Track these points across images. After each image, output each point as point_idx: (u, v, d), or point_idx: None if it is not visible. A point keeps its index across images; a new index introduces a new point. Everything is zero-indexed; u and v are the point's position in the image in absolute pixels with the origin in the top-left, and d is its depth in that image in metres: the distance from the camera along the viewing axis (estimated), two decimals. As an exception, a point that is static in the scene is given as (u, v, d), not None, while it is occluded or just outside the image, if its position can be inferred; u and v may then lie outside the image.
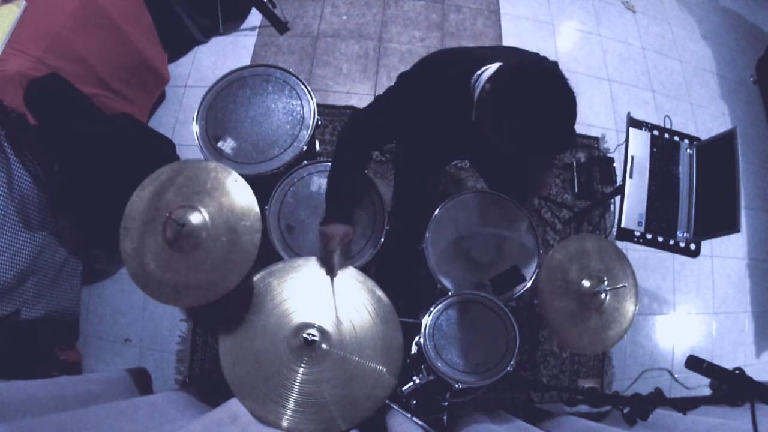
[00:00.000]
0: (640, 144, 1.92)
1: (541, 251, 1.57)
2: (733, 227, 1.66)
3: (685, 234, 1.83)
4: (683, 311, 2.41)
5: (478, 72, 1.13)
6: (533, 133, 0.98)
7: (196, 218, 1.19)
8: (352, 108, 2.45)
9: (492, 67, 1.10)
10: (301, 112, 1.62)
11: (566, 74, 1.36)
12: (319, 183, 1.57)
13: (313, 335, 1.23)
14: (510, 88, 1.01)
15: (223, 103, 1.63)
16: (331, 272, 1.35)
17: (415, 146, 1.48)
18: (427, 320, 1.43)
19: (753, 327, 2.48)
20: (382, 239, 1.50)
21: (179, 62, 2.51)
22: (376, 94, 1.33)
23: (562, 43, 2.79)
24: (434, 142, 1.36)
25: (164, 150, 2.16)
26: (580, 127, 2.56)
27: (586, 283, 1.49)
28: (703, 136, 1.94)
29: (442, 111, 1.20)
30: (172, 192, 1.22)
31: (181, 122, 2.37)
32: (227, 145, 1.58)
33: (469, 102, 1.15)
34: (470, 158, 1.94)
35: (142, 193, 1.22)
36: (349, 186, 1.40)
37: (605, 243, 1.59)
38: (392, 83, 1.31)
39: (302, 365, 1.22)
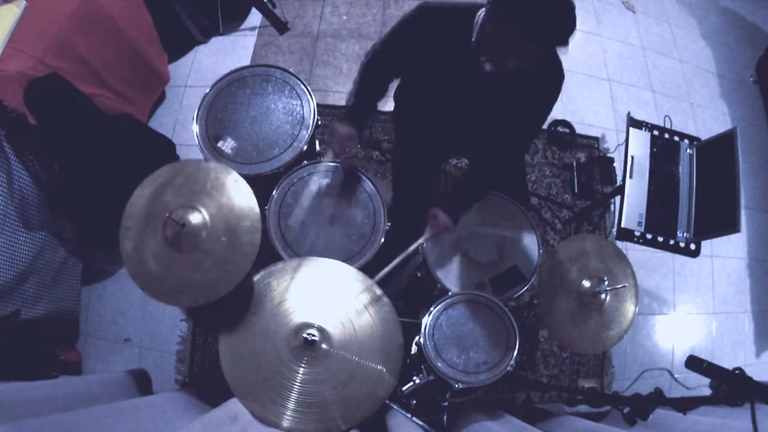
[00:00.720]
0: (640, 144, 1.92)
1: (541, 251, 1.57)
2: (733, 227, 1.66)
3: (685, 234, 1.83)
4: (683, 311, 2.41)
5: (482, 9, 1.22)
6: (535, 20, 1.02)
7: (196, 218, 1.19)
8: (352, 108, 2.45)
9: None
10: (301, 112, 1.62)
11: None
12: (319, 183, 1.57)
13: (313, 335, 1.22)
14: None
15: (223, 103, 1.63)
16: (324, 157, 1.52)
17: (415, 96, 1.52)
18: (427, 320, 1.43)
19: (753, 327, 2.48)
20: (382, 239, 1.50)
21: (179, 62, 2.51)
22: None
23: (562, 43, 2.78)
24: (429, 88, 1.40)
25: (164, 150, 2.16)
26: (580, 127, 2.56)
27: (586, 283, 1.49)
28: (703, 136, 1.94)
29: (445, 44, 1.27)
30: (172, 192, 1.22)
31: (181, 122, 2.37)
32: (227, 145, 1.58)
33: (467, 37, 1.23)
34: (467, 153, 1.94)
35: (142, 193, 1.22)
36: (366, 98, 1.48)
37: (605, 243, 1.59)
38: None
39: (302, 365, 1.22)
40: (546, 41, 1.08)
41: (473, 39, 1.22)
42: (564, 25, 1.05)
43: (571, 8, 1.04)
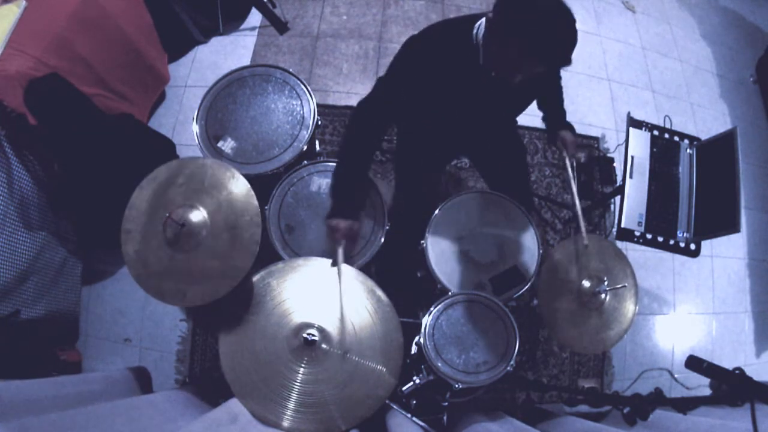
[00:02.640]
0: (640, 144, 1.92)
1: (541, 251, 1.57)
2: (733, 227, 1.66)
3: (685, 234, 1.83)
4: (683, 311, 2.41)
5: (477, 23, 1.21)
6: (541, 37, 1.02)
7: (195, 216, 1.19)
8: (352, 108, 2.44)
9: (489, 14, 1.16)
10: (301, 112, 1.62)
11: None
12: (319, 183, 1.57)
13: (313, 335, 1.22)
14: (512, 2, 1.06)
15: (223, 103, 1.63)
16: (336, 264, 1.35)
17: (423, 118, 1.49)
18: (427, 320, 1.43)
19: (753, 327, 2.48)
20: (382, 239, 1.50)
21: (179, 62, 2.51)
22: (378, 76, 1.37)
23: (562, 43, 2.78)
24: (443, 108, 1.37)
25: (164, 150, 2.16)
26: (580, 127, 2.56)
27: (586, 283, 1.49)
28: (703, 136, 1.94)
29: (450, 68, 1.25)
30: (170, 191, 1.22)
31: (181, 122, 2.37)
32: (227, 145, 1.58)
33: (473, 53, 1.22)
34: (471, 155, 1.94)
35: (141, 194, 1.22)
36: (354, 180, 1.42)
37: (605, 243, 1.59)
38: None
39: (302, 365, 1.22)
40: (550, 60, 1.07)
41: (480, 60, 1.21)
42: (567, 43, 1.05)
43: (572, 25, 1.04)
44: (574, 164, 1.59)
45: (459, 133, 1.53)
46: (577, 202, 1.56)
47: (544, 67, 1.11)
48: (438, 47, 1.25)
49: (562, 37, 1.04)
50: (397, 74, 1.30)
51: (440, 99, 1.32)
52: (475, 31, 1.21)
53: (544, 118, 1.70)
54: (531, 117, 1.68)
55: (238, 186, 1.24)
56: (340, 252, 1.35)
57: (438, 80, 1.27)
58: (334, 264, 1.35)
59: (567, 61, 1.07)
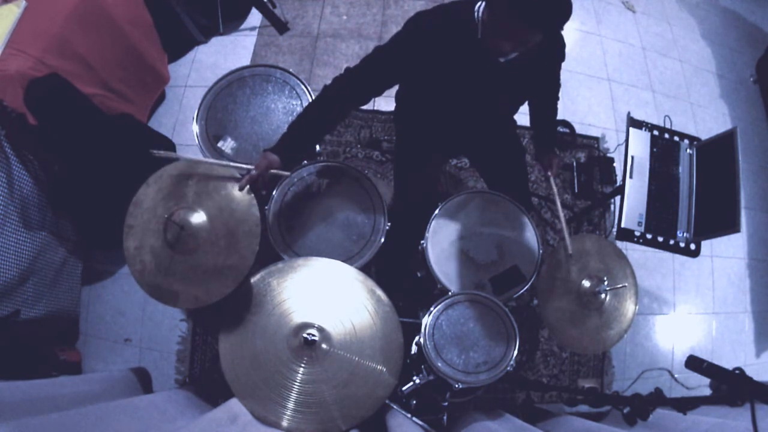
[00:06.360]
0: (640, 144, 1.92)
1: (541, 251, 1.57)
2: (733, 227, 1.66)
3: (685, 234, 1.83)
4: (683, 311, 2.41)
5: (480, 2, 1.23)
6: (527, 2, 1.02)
7: (196, 219, 1.19)
8: (352, 108, 2.44)
9: None
10: (301, 112, 1.62)
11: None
12: (319, 183, 1.57)
13: (313, 335, 1.22)
14: None
15: (223, 103, 1.63)
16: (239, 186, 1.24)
17: (421, 100, 1.50)
18: (427, 320, 1.43)
19: (753, 327, 2.48)
20: (382, 239, 1.50)
21: (179, 62, 2.51)
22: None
23: (562, 43, 2.78)
24: (441, 88, 1.37)
25: (164, 150, 2.16)
26: (580, 127, 2.56)
27: (586, 283, 1.48)
28: (703, 136, 1.94)
29: (449, 44, 1.26)
30: (175, 192, 1.22)
31: (181, 122, 2.38)
32: (227, 145, 1.58)
33: (473, 30, 1.23)
34: (470, 154, 1.94)
35: (147, 191, 1.23)
36: (299, 136, 1.32)
37: (605, 243, 1.58)
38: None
39: (302, 365, 1.22)
40: (538, 22, 1.06)
41: (479, 34, 1.23)
42: (558, 7, 1.04)
43: None
44: (559, 183, 1.63)
45: (457, 124, 1.52)
46: (561, 215, 1.59)
47: (531, 29, 1.09)
48: (440, 22, 1.27)
49: (548, 1, 1.04)
50: (392, 46, 1.31)
51: (438, 76, 1.32)
52: (476, 6, 1.23)
53: (533, 138, 1.75)
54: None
55: (242, 195, 1.24)
56: (245, 181, 1.23)
57: (436, 56, 1.28)
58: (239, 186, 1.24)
59: (556, 24, 1.07)
